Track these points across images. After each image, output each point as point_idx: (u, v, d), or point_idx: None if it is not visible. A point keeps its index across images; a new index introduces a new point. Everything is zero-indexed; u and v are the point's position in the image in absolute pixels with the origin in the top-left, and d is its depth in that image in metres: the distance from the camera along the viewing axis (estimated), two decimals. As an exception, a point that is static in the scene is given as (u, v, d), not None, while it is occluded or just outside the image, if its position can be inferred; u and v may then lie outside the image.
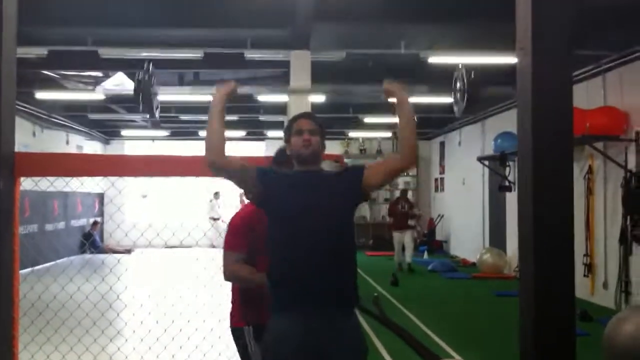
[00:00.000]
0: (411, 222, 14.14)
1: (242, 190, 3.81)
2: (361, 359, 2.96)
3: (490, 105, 13.74)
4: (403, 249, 14.01)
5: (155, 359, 4.56)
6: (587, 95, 9.67)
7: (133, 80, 2.45)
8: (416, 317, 8.59)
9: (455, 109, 2.71)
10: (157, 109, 2.55)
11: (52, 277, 4.88)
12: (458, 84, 2.56)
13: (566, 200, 3.22)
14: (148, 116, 2.74)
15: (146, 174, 3.84)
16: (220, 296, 4.98)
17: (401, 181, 20.02)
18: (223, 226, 18.52)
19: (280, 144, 3.58)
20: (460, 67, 2.55)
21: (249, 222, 3.51)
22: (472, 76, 2.52)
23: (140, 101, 2.48)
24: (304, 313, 2.88)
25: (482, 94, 2.72)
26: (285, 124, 3.32)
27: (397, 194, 19.91)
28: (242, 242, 3.46)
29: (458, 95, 2.58)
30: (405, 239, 13.89)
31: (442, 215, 18.64)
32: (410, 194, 16.39)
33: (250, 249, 3.45)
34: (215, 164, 3.00)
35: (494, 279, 12.35)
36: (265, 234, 3.17)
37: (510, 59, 8.63)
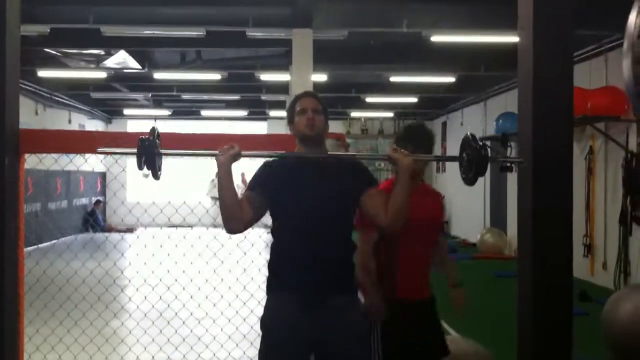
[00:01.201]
0: None
1: (243, 172, 3.87)
2: (358, 335, 2.98)
3: (492, 86, 13.72)
4: None
5: (158, 334, 4.61)
6: (589, 75, 9.66)
7: (137, 145, 2.48)
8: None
9: (463, 177, 2.75)
10: (160, 171, 2.60)
11: (56, 253, 4.93)
12: (465, 152, 2.58)
13: (566, 181, 3.25)
14: (150, 174, 2.79)
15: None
16: (222, 273, 5.04)
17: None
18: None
19: (283, 124, 3.62)
20: (468, 133, 2.60)
21: None
22: (480, 142, 2.56)
23: (142, 163, 2.52)
24: (302, 296, 2.91)
25: (490, 159, 2.69)
26: (288, 103, 3.32)
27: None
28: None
29: (465, 163, 2.63)
30: None
31: (444, 196, 18.67)
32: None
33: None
34: (236, 232, 2.97)
35: (494, 259, 12.40)
36: None
37: (513, 39, 8.62)
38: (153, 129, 2.96)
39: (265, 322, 3.00)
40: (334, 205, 2.96)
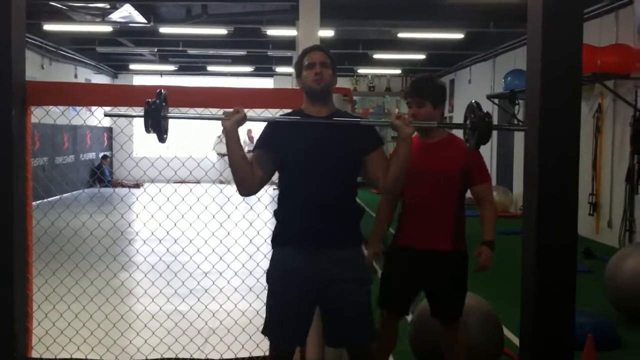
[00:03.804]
0: None
1: (249, 128, 3.93)
2: (361, 288, 3.02)
3: (501, 43, 13.58)
4: None
5: (165, 286, 4.68)
6: (599, 33, 9.54)
7: (144, 108, 2.47)
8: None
9: (467, 145, 2.78)
10: (166, 134, 2.60)
11: (63, 206, 4.97)
12: (469, 120, 2.59)
13: (573, 139, 3.23)
14: (156, 136, 2.80)
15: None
16: (228, 226, 5.09)
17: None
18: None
19: (289, 80, 3.63)
20: (473, 102, 2.61)
21: None
22: (484, 112, 2.58)
23: (149, 126, 2.52)
24: (306, 248, 2.96)
25: (494, 127, 2.71)
26: (295, 59, 3.30)
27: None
28: None
29: (469, 130, 2.67)
30: None
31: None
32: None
33: None
34: (249, 195, 3.02)
35: (500, 217, 12.41)
36: None
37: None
38: (160, 93, 2.94)
39: (271, 274, 3.05)
40: (339, 157, 2.98)
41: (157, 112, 2.88)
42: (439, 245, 3.54)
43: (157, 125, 2.89)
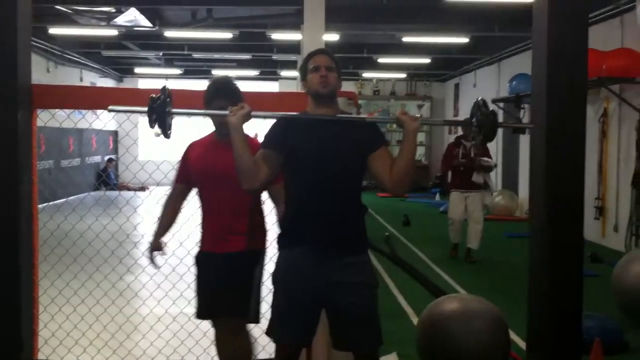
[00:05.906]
0: (477, 179, 8.33)
1: (256, 132, 3.99)
2: (369, 291, 3.01)
3: (507, 47, 13.56)
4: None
5: (171, 288, 4.68)
6: (604, 37, 9.53)
7: (148, 103, 2.48)
8: (426, 257, 8.70)
9: (472, 142, 2.79)
10: (170, 130, 2.62)
11: (69, 209, 4.99)
12: (475, 117, 2.60)
13: (579, 143, 3.23)
14: (160, 133, 2.79)
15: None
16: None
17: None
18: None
19: (294, 84, 3.61)
20: (479, 99, 2.61)
21: (186, 153, 3.73)
22: (490, 109, 2.59)
23: (152, 121, 2.53)
24: (313, 250, 2.95)
25: (500, 125, 2.70)
26: (300, 63, 3.30)
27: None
28: (179, 172, 3.74)
29: (475, 128, 2.66)
30: (469, 205, 8.52)
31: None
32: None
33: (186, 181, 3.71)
34: (254, 190, 3.05)
35: (506, 221, 12.42)
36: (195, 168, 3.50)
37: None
38: (164, 88, 2.97)
39: (276, 275, 3.04)
40: (348, 157, 2.98)
41: (162, 108, 2.90)
42: (226, 248, 3.52)
43: (161, 120, 2.92)
